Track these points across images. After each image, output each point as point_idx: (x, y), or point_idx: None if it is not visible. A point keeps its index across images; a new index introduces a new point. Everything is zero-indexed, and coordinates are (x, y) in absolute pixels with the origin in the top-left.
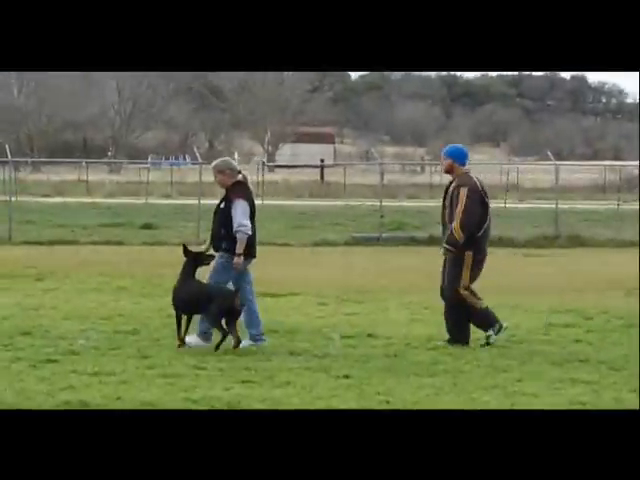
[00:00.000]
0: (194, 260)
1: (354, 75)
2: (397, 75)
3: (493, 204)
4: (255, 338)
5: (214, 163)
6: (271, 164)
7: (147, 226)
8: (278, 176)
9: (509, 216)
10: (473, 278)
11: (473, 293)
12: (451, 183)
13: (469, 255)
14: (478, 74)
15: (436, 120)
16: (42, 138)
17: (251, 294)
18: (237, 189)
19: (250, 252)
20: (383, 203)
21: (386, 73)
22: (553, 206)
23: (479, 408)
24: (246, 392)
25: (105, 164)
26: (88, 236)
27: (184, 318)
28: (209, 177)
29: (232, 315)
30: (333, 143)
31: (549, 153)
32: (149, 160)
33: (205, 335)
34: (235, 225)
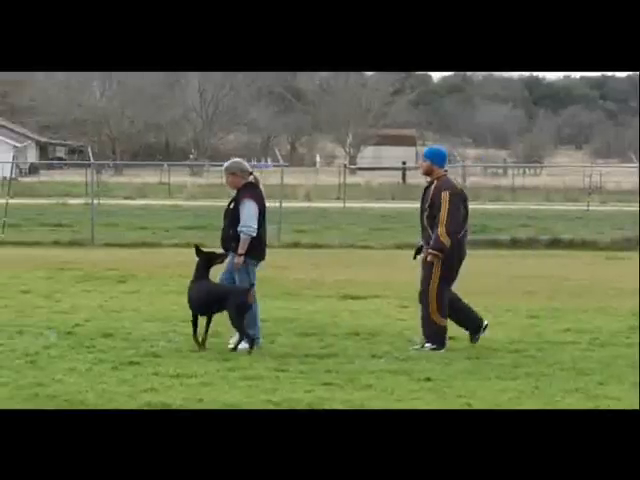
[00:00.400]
0: (207, 260)
1: (436, 77)
2: (479, 77)
3: (576, 207)
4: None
5: (225, 165)
6: (353, 166)
7: None
8: (360, 178)
9: (592, 219)
10: (452, 279)
11: (443, 306)
12: (430, 185)
13: (445, 258)
14: (560, 76)
15: (518, 122)
16: (124, 141)
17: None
18: (247, 190)
19: (258, 254)
20: None
21: (468, 75)
22: (636, 208)
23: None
24: (327, 394)
25: (187, 166)
26: (170, 238)
27: (203, 319)
28: (291, 179)
29: (241, 310)
30: (415, 145)
31: (632, 155)
32: None
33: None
34: (240, 225)
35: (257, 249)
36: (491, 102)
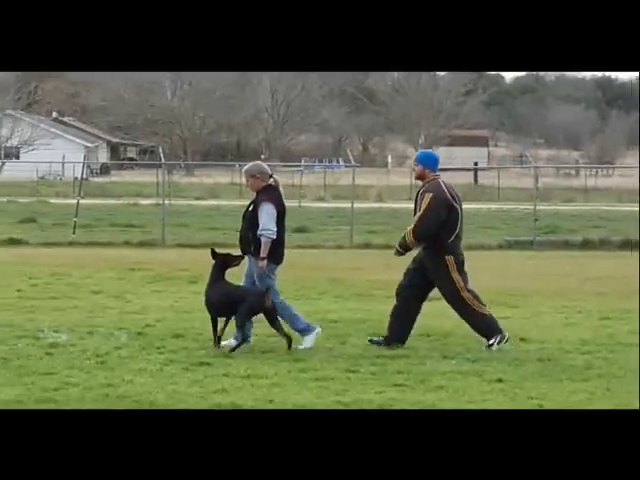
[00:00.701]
0: (223, 262)
1: (508, 78)
2: (551, 77)
3: None
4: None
5: (245, 167)
6: None
7: (300, 229)
8: None
9: None
10: (465, 280)
11: (476, 297)
12: (421, 189)
13: (450, 259)
14: (633, 76)
15: (591, 123)
16: (195, 141)
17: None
18: (266, 193)
19: (277, 257)
20: (537, 207)
21: (540, 76)
22: None
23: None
24: (399, 395)
25: None
26: None
27: (222, 320)
28: (362, 180)
29: (269, 314)
30: (487, 146)
31: None
32: (302, 163)
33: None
34: (259, 229)
35: (277, 252)
36: (563, 103)
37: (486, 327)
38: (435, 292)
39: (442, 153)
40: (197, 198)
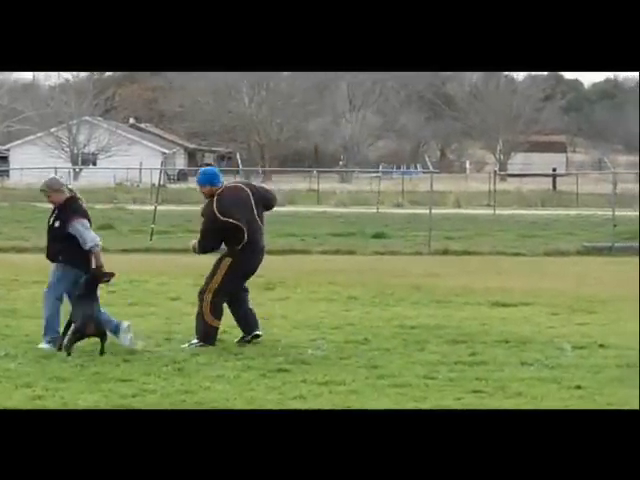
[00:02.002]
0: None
1: (587, 83)
2: (630, 83)
3: None
4: (49, 340)
5: (47, 183)
6: (503, 173)
7: (378, 235)
8: (510, 185)
9: None
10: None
11: (215, 307)
12: None
13: (226, 261)
14: None
15: None
16: (273, 147)
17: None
18: (71, 207)
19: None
20: (616, 212)
21: (619, 81)
22: None
23: None
24: (477, 402)
25: (336, 173)
26: (319, 245)
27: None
28: (440, 186)
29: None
30: (565, 152)
31: None
32: (380, 169)
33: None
34: (89, 243)
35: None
36: None
37: (202, 331)
38: (514, 297)
39: (520, 159)
40: None
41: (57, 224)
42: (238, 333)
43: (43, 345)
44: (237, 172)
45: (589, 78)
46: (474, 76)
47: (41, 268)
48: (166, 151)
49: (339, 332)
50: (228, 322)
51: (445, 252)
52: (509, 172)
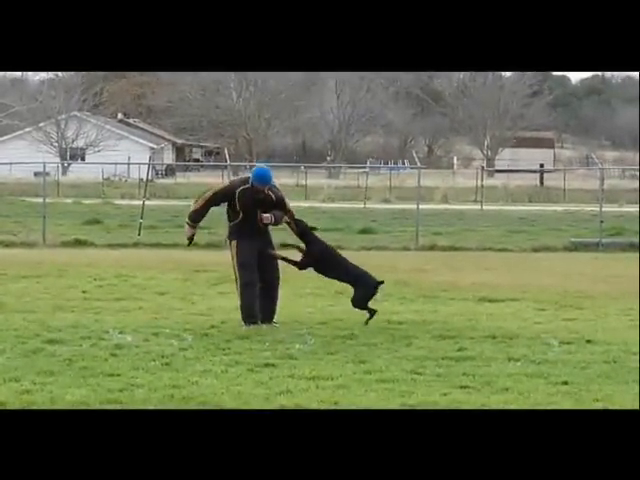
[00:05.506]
0: None
1: (574, 79)
2: (617, 79)
3: None
4: None
5: None
6: (490, 169)
7: (366, 231)
8: (498, 181)
9: None
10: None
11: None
12: None
13: (234, 244)
14: None
15: None
16: (261, 142)
17: None
18: None
19: None
20: (603, 208)
21: (607, 77)
22: None
23: None
24: (464, 398)
25: (324, 168)
26: None
27: None
28: (428, 182)
29: None
30: (553, 148)
31: None
32: (368, 165)
33: None
34: None
35: None
36: (630, 104)
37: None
38: (501, 293)
39: (508, 155)
40: None
41: None
42: (227, 329)
43: None
44: (225, 167)
45: (576, 74)
46: (462, 72)
47: (29, 263)
48: (154, 146)
49: (326, 327)
50: (219, 317)
51: (432, 248)
52: (496, 168)
